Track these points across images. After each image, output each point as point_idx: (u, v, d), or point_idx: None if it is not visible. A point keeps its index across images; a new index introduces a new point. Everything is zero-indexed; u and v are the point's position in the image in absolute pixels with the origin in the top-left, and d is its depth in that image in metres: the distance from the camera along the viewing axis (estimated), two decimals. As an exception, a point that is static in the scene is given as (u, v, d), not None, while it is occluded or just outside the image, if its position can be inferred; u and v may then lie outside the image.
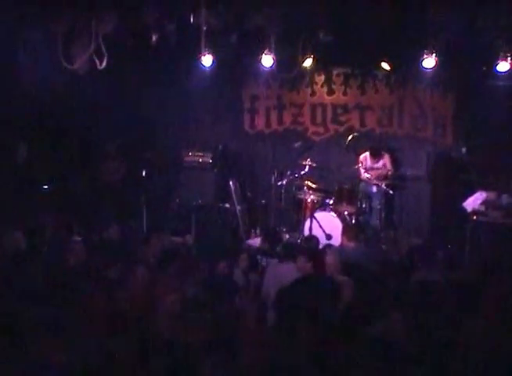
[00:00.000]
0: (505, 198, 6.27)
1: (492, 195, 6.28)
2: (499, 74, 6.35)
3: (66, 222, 6.08)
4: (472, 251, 5.89)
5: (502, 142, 6.72)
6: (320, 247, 5.95)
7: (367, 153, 6.93)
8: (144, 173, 7.14)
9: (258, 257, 5.42)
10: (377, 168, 6.91)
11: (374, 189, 6.83)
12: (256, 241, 6.45)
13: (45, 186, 7.10)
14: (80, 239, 5.54)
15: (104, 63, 6.33)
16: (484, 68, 6.50)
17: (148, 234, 6.25)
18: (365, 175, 6.85)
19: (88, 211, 6.92)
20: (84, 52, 6.31)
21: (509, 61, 6.14)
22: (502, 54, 6.12)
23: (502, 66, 6.22)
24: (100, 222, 6.58)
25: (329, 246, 6.15)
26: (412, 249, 5.40)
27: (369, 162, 6.92)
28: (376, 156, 6.87)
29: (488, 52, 6.22)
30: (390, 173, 6.86)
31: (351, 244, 6.39)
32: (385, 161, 6.92)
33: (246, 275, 4.77)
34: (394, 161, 7.08)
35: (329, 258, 4.53)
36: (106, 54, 6.24)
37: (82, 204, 7.04)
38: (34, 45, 6.45)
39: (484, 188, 6.37)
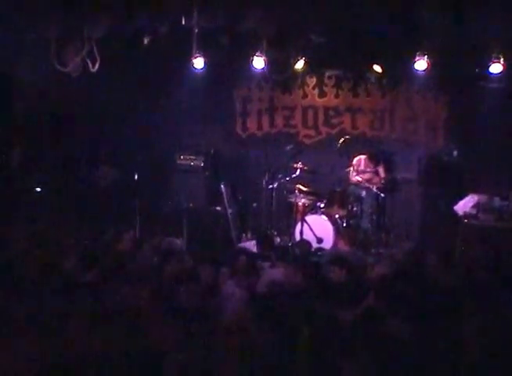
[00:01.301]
0: (496, 201, 6.27)
1: (484, 198, 6.28)
2: (491, 75, 6.34)
3: (60, 225, 6.04)
4: (464, 254, 5.88)
5: (493, 144, 6.73)
6: (312, 250, 5.95)
7: (362, 157, 6.90)
8: (136, 177, 7.07)
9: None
10: (369, 172, 6.87)
11: (365, 192, 6.80)
12: (247, 245, 6.41)
13: (38, 189, 7.03)
14: (73, 241, 5.52)
15: (97, 66, 6.29)
16: (476, 70, 6.50)
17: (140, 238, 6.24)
18: (356, 178, 6.82)
19: (81, 214, 6.85)
20: (77, 55, 6.29)
21: (501, 62, 6.14)
22: (494, 55, 6.12)
23: (495, 68, 6.22)
24: (93, 225, 6.53)
25: (321, 249, 6.17)
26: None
27: (362, 166, 6.89)
28: (373, 162, 6.83)
29: (480, 54, 6.22)
30: (382, 181, 6.83)
31: (344, 248, 6.40)
32: (379, 169, 6.89)
33: (245, 278, 4.71)
34: (387, 167, 7.04)
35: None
36: (98, 57, 6.21)
37: (75, 207, 6.97)
38: (28, 49, 6.40)
39: (476, 191, 6.37)
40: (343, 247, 6.52)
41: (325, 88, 7.44)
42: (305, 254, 5.66)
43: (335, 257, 4.80)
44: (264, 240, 5.82)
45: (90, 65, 6.29)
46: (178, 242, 6.41)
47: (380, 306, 3.40)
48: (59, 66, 6.26)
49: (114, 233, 6.18)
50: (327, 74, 7.39)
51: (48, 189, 7.10)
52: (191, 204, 6.97)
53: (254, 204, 7.38)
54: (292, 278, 4.30)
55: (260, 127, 7.68)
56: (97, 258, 4.59)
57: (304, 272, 4.38)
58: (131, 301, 3.51)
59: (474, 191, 6.39)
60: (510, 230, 6.04)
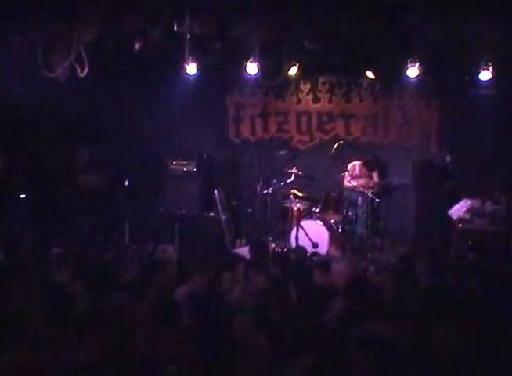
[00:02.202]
0: (489, 205, 6.34)
1: (477, 202, 6.34)
2: (481, 82, 6.43)
3: (44, 233, 5.92)
4: (458, 259, 5.91)
5: (485, 149, 6.79)
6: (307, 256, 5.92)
7: (357, 163, 6.91)
8: (127, 182, 6.97)
9: None
10: (364, 177, 6.88)
11: (360, 197, 6.81)
12: (241, 251, 6.35)
13: (22, 196, 6.89)
14: (59, 251, 5.41)
15: (85, 71, 6.22)
16: (466, 77, 6.58)
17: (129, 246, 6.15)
18: (351, 183, 6.83)
19: (69, 222, 6.72)
20: (65, 60, 6.20)
21: (490, 70, 6.22)
22: (483, 63, 6.21)
23: (484, 75, 6.31)
24: (81, 233, 6.42)
25: (316, 254, 6.14)
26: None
27: (357, 171, 6.89)
28: (368, 168, 6.85)
29: (470, 61, 6.31)
30: (376, 186, 6.84)
31: (336, 253, 6.39)
32: (374, 176, 6.91)
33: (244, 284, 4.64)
34: (381, 172, 7.06)
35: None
36: (87, 62, 6.14)
37: (62, 214, 6.84)
38: (14, 53, 6.30)
39: (469, 196, 6.42)
40: (335, 252, 6.52)
41: (318, 94, 7.46)
42: (301, 260, 5.61)
43: (321, 261, 4.80)
44: (256, 246, 5.77)
45: (79, 70, 6.20)
46: (171, 249, 6.34)
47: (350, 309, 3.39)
48: (46, 72, 6.16)
49: (104, 241, 6.09)
50: (321, 79, 7.41)
51: (34, 196, 6.95)
52: (184, 210, 6.89)
53: (249, 210, 7.33)
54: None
55: (253, 132, 7.66)
56: (87, 267, 4.49)
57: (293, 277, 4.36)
58: (122, 310, 3.44)
59: (467, 196, 6.43)
60: (502, 234, 6.11)
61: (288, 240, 6.61)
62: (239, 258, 5.18)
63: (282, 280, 4.19)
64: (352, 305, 3.44)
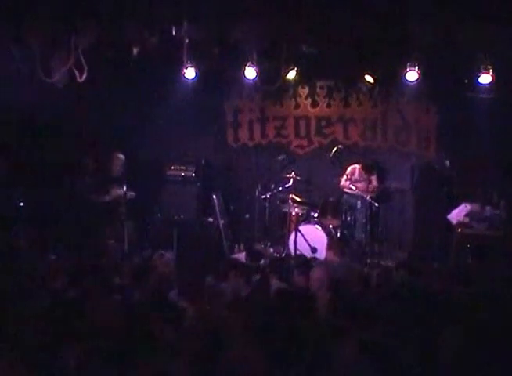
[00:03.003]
0: (488, 210, 6.31)
1: (476, 207, 6.32)
2: (481, 86, 6.41)
3: (41, 238, 5.89)
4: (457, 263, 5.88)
5: (484, 154, 6.77)
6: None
7: (356, 166, 6.89)
8: (125, 188, 6.92)
9: None
10: (363, 181, 6.86)
11: (359, 202, 6.79)
12: (240, 256, 6.33)
13: (21, 203, 6.83)
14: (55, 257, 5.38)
15: (84, 76, 6.21)
16: (466, 80, 6.56)
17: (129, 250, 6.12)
18: (350, 187, 6.81)
19: (65, 227, 6.67)
20: (64, 65, 6.19)
21: (490, 73, 6.21)
22: (483, 66, 6.20)
23: (484, 79, 6.29)
24: (77, 238, 6.38)
25: (314, 259, 6.10)
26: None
27: (356, 175, 6.88)
28: (367, 172, 6.84)
29: (469, 65, 6.30)
30: (375, 190, 6.82)
31: (337, 258, 6.36)
32: (372, 179, 6.89)
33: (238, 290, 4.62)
34: (380, 176, 7.04)
35: (316, 272, 4.43)
36: (86, 67, 6.13)
37: (58, 220, 6.79)
38: (12, 58, 6.29)
39: (468, 200, 6.39)
40: (333, 257, 6.48)
41: (317, 98, 7.45)
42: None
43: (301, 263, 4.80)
44: (252, 251, 5.74)
45: (77, 75, 6.20)
46: (169, 254, 6.31)
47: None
48: (44, 77, 6.15)
49: (102, 247, 6.05)
50: (319, 84, 7.40)
51: (30, 201, 6.89)
52: (182, 216, 6.87)
53: (247, 215, 7.31)
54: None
55: (251, 137, 7.65)
56: (83, 272, 4.47)
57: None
58: (119, 314, 3.41)
59: (467, 200, 6.41)
60: (501, 238, 6.08)
61: (286, 245, 6.60)
62: (236, 263, 5.18)
63: (264, 283, 4.18)
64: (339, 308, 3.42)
